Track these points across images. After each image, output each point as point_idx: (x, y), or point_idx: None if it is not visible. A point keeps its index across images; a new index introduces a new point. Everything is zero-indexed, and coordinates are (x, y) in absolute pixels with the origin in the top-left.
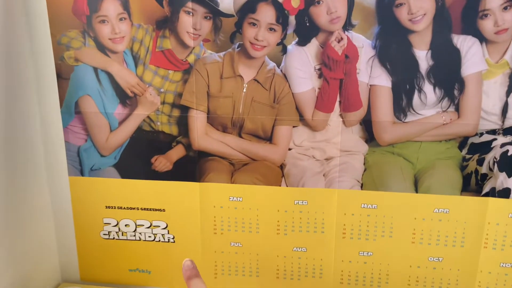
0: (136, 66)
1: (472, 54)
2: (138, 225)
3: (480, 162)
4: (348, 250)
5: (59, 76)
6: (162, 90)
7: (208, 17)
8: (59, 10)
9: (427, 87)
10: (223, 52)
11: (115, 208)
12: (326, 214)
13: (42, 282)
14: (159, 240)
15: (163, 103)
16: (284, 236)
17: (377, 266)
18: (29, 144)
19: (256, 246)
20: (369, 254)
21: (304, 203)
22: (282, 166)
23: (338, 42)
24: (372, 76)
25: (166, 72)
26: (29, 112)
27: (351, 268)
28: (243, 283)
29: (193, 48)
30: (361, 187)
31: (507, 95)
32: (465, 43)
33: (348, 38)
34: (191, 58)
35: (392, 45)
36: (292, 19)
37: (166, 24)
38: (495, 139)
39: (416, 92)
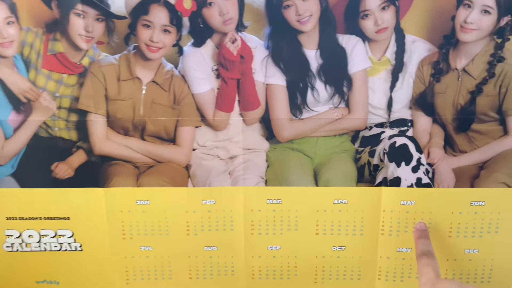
0: (27, 70)
1: (356, 53)
2: (42, 235)
3: (372, 154)
4: (258, 246)
5: None
6: (57, 94)
7: (100, 19)
8: None
9: (319, 85)
10: (119, 54)
11: (16, 219)
12: (234, 212)
13: None
14: (66, 250)
15: (59, 108)
16: (194, 237)
17: (286, 259)
18: None
19: (167, 248)
20: (277, 248)
21: (211, 203)
22: (187, 167)
23: (233, 43)
24: (268, 76)
25: (60, 76)
26: None
27: (261, 263)
28: (156, 286)
29: (87, 50)
30: (265, 183)
31: (391, 90)
32: (349, 42)
33: (241, 39)
34: (85, 61)
35: (284, 45)
36: (186, 20)
37: (56, 26)
38: (383, 131)
39: (309, 89)
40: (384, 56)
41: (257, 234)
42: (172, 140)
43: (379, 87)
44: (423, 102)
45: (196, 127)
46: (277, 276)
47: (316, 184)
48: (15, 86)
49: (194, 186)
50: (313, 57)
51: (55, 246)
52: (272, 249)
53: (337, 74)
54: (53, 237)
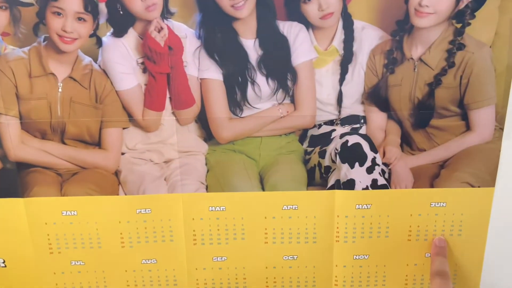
0: None
1: (300, 42)
2: None
3: (322, 154)
4: (201, 257)
5: None
6: None
7: (4, 7)
8: None
9: (260, 79)
10: (28, 47)
11: None
12: (173, 221)
13: None
14: None
15: None
16: (130, 249)
17: (233, 270)
18: None
19: (101, 262)
20: (223, 259)
21: (147, 211)
22: (117, 173)
23: (159, 32)
24: (201, 69)
25: None
26: None
27: (206, 275)
28: None
29: None
30: (206, 189)
31: (340, 84)
32: (291, 30)
33: (168, 27)
34: None
35: (218, 34)
36: (102, 6)
37: None
38: (334, 129)
39: (249, 84)
40: (331, 46)
41: (200, 244)
42: (97, 143)
43: (327, 80)
44: (376, 96)
45: (124, 128)
46: None
47: (263, 189)
48: None
49: (126, 194)
50: (251, 47)
51: None
52: (217, 260)
53: (279, 66)
54: None
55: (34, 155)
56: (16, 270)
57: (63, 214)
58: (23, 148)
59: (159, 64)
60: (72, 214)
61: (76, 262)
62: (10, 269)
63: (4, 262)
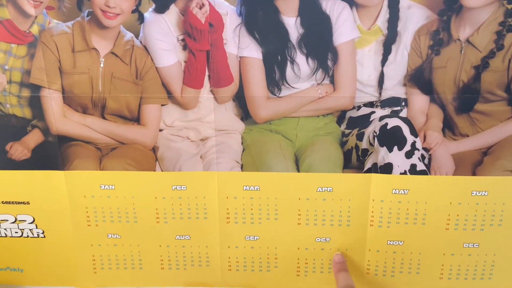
0: None
1: (343, 21)
2: (1, 220)
3: (360, 137)
4: (234, 235)
5: None
6: (6, 67)
7: None
8: None
9: (300, 58)
10: (71, 22)
11: None
12: (208, 199)
13: None
14: (28, 236)
15: (9, 82)
16: (165, 225)
17: (265, 250)
18: None
19: (136, 236)
20: (255, 238)
21: (182, 188)
22: (154, 149)
23: (200, 8)
24: (241, 47)
25: (8, 46)
26: None
27: (238, 253)
28: (126, 276)
29: (36, 17)
30: (241, 168)
31: (382, 65)
32: (334, 8)
33: (210, 4)
34: (35, 29)
35: (259, 12)
36: None
37: None
38: (374, 112)
39: (288, 63)
40: (375, 25)
41: (233, 223)
42: (136, 119)
43: (368, 60)
44: (420, 78)
45: (162, 105)
46: (256, 268)
47: (298, 170)
48: None
49: (162, 170)
50: (292, 25)
51: (16, 232)
52: (249, 239)
53: (320, 46)
54: (13, 222)
55: (75, 129)
56: (54, 241)
57: (101, 188)
58: (65, 121)
59: (199, 41)
60: (110, 188)
61: (112, 235)
62: (49, 240)
63: (43, 232)
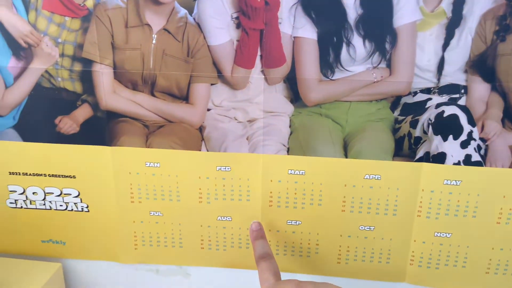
0: (27, 11)
1: (405, 2)
2: (47, 193)
3: (414, 124)
4: (276, 219)
5: None
6: (59, 40)
7: None
8: None
9: (356, 40)
10: None
11: (19, 174)
12: (251, 181)
13: None
14: (72, 209)
15: (62, 55)
16: (207, 205)
17: (306, 235)
18: None
19: (178, 215)
20: (297, 223)
21: (227, 169)
22: (201, 129)
23: None
24: (296, 27)
25: (62, 19)
26: None
27: (279, 238)
28: (166, 254)
29: None
30: (288, 151)
31: (444, 49)
32: None
33: None
34: (89, 3)
35: None
36: None
37: None
38: (430, 98)
39: (344, 45)
40: (439, 7)
41: (275, 206)
42: (184, 97)
43: (429, 44)
44: (482, 65)
45: (212, 84)
46: (296, 253)
47: (346, 156)
48: (14, 28)
49: (208, 150)
50: (351, 6)
51: (61, 205)
52: (291, 224)
53: (379, 27)
54: (58, 195)
55: (124, 105)
56: (98, 216)
57: (146, 165)
58: (115, 97)
59: (254, 19)
60: (155, 166)
61: (154, 212)
62: (93, 215)
63: (87, 207)
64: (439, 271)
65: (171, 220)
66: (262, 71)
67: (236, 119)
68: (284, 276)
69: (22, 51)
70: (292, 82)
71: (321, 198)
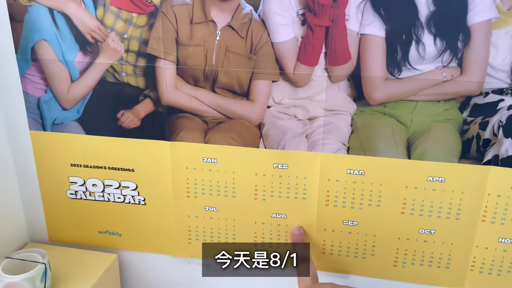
0: (95, 7)
1: None
2: (106, 185)
3: (483, 126)
4: (331, 219)
5: (12, 18)
6: (125, 36)
7: None
8: None
9: (427, 38)
10: None
11: (80, 166)
12: (308, 180)
13: (8, 241)
14: (129, 202)
15: (127, 51)
16: (263, 202)
17: (362, 236)
18: None
19: (232, 211)
20: (354, 224)
21: (284, 167)
22: (260, 126)
23: None
24: (363, 24)
25: (129, 15)
26: None
27: (334, 237)
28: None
29: None
30: (347, 150)
31: None
32: None
33: None
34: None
35: None
36: None
37: None
38: (502, 100)
39: (413, 43)
40: None
41: (332, 206)
42: (245, 94)
43: (504, 43)
44: None
45: (273, 81)
46: (351, 254)
47: (409, 157)
48: (83, 24)
49: (266, 147)
50: (423, 2)
51: (119, 198)
52: (347, 224)
53: (452, 25)
54: (117, 188)
55: (185, 100)
56: (154, 209)
57: (204, 160)
58: (176, 93)
59: (320, 16)
60: (213, 161)
61: (210, 208)
62: (149, 207)
63: (144, 200)
64: (501, 277)
65: (226, 215)
66: (326, 69)
67: (296, 117)
68: (337, 277)
69: (89, 46)
70: (356, 80)
71: (380, 199)
